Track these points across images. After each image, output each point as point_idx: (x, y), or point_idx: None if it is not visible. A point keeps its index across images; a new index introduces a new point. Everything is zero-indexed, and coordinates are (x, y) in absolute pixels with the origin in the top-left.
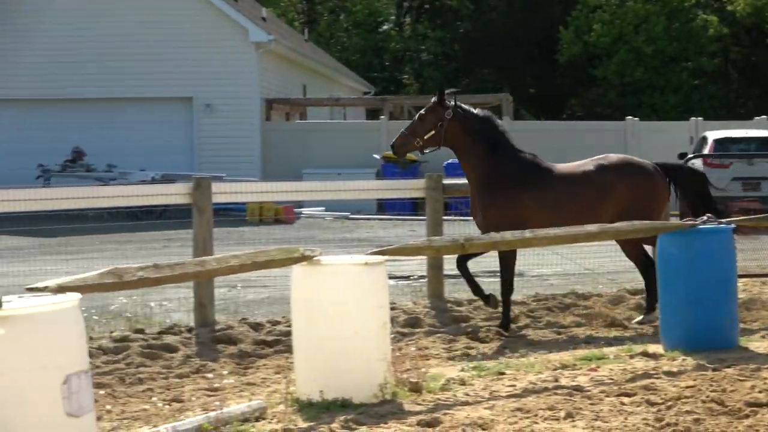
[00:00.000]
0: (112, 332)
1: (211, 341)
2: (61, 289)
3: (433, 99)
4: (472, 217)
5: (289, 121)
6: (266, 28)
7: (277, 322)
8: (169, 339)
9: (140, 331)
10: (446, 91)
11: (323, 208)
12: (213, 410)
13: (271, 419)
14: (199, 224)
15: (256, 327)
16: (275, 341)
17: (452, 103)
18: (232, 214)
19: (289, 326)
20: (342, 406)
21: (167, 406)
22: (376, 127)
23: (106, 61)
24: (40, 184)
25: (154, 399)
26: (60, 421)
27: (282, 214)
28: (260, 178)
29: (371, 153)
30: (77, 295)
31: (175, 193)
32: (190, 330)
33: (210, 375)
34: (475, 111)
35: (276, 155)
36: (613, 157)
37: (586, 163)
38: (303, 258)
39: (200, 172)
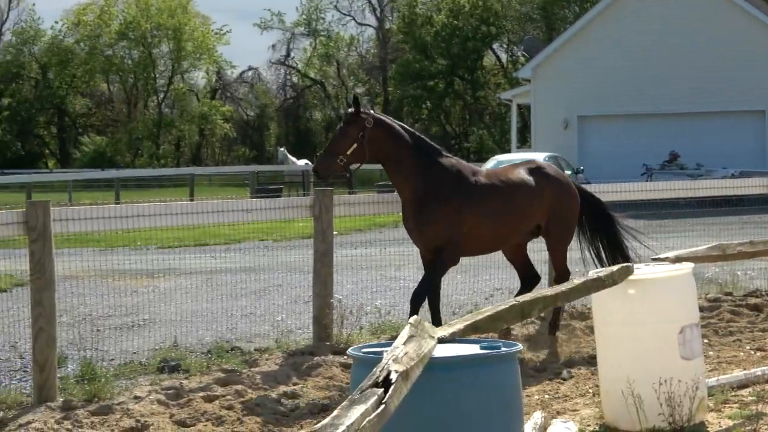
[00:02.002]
0: (707, 294)
1: None
2: (677, 259)
3: (350, 110)
4: (407, 233)
5: None
6: None
7: None
8: (752, 300)
9: (729, 293)
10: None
11: None
12: None
13: None
14: None
15: None
16: None
17: (370, 111)
18: None
19: None
20: None
21: (757, 353)
22: None
23: (694, 82)
24: (643, 179)
25: (746, 347)
26: (677, 364)
27: None
28: None
29: None
30: (690, 265)
31: (755, 186)
32: None
33: None
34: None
35: None
36: (540, 163)
37: (515, 168)
38: None
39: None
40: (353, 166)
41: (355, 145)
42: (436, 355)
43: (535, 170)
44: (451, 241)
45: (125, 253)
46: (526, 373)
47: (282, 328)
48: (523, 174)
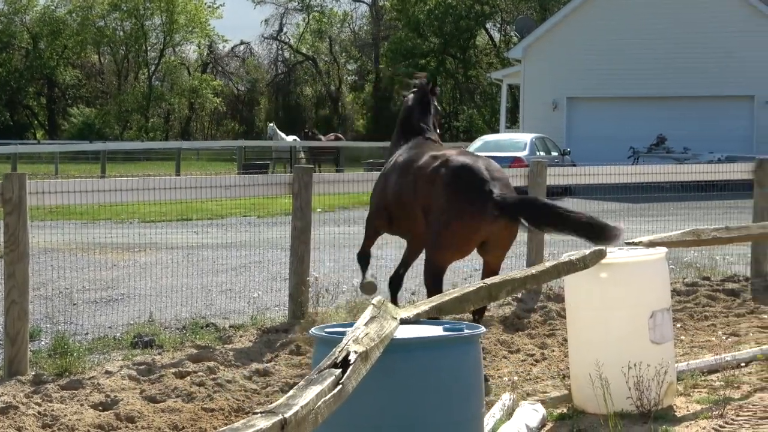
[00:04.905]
0: (684, 278)
1: (764, 289)
2: (651, 243)
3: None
4: None
5: None
6: None
7: None
8: (729, 285)
9: (706, 278)
10: None
11: None
12: (766, 344)
13: None
14: (759, 195)
15: None
16: None
17: None
18: None
19: None
20: None
21: (727, 339)
22: None
23: (683, 66)
24: (629, 162)
25: (717, 333)
26: (646, 348)
27: None
28: None
29: None
30: (664, 249)
31: (738, 171)
32: (746, 279)
33: (764, 316)
34: None
35: None
36: (453, 151)
37: (422, 152)
38: None
39: (758, 155)
40: None
41: None
42: (397, 336)
43: (446, 158)
44: None
45: (107, 226)
46: (499, 354)
47: (258, 305)
48: (426, 156)
